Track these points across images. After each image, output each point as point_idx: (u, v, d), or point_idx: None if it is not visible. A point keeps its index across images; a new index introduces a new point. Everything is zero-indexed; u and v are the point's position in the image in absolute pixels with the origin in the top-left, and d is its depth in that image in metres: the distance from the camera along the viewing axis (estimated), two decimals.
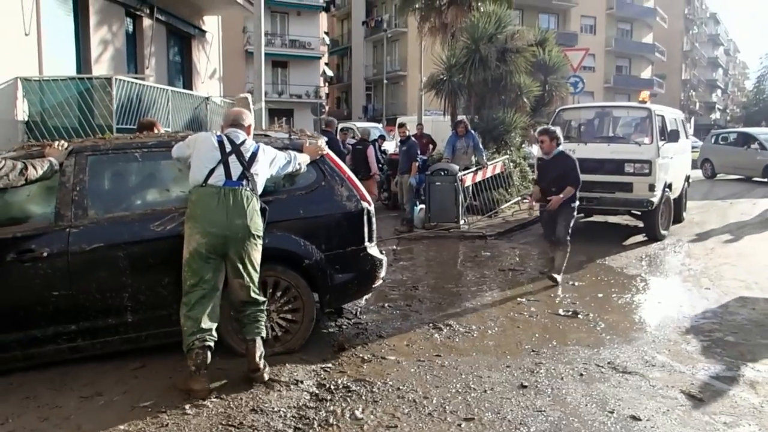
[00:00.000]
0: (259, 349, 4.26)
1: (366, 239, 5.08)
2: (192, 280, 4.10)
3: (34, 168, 4.26)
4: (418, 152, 12.27)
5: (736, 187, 18.00)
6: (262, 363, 4.25)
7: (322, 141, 5.18)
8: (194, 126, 12.07)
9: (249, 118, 4.61)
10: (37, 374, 4.36)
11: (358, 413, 3.90)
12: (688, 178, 12.19)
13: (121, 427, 3.68)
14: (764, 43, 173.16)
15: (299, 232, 4.79)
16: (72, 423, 3.74)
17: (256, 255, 4.26)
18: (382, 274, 5.30)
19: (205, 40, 16.66)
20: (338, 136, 12.69)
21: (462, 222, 11.00)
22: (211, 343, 4.12)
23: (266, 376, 4.25)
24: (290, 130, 5.43)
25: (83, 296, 4.37)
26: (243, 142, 4.36)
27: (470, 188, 11.67)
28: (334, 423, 3.78)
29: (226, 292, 4.30)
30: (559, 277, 7.24)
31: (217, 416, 3.83)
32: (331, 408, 3.98)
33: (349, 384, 4.35)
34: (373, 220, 5.18)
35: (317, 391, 4.21)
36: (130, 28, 13.23)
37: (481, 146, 12.21)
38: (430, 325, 5.74)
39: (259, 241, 4.27)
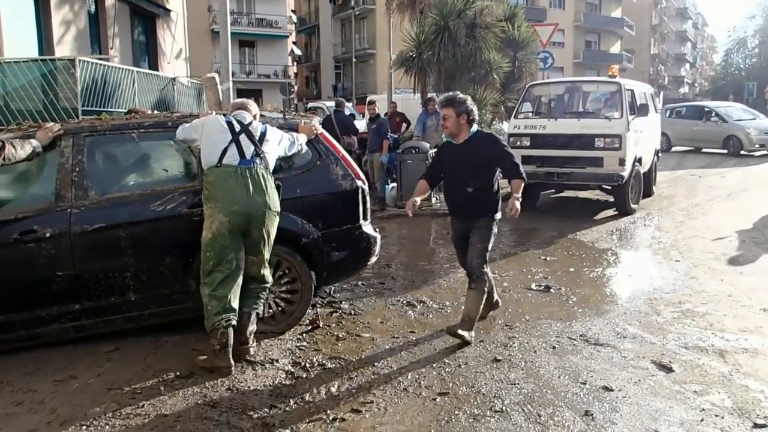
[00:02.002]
0: (252, 325, 4.33)
1: (361, 217, 5.15)
2: (214, 260, 4.14)
3: (14, 147, 4.15)
4: (389, 130, 12.18)
5: (704, 159, 18.30)
6: (251, 339, 4.31)
7: (316, 120, 5.23)
8: (162, 107, 11.85)
9: (255, 108, 4.70)
10: (10, 359, 4.32)
11: (333, 390, 3.92)
12: (657, 152, 12.35)
13: (97, 409, 3.66)
14: (732, 15, 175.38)
15: (296, 211, 4.81)
16: (46, 407, 3.71)
17: (274, 232, 4.33)
18: (377, 251, 5.37)
19: (170, 19, 16.34)
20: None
21: (434, 200, 11.01)
22: (235, 322, 4.17)
23: (252, 351, 4.29)
24: (284, 110, 5.50)
25: (86, 276, 4.40)
26: (250, 123, 4.42)
27: None
28: (310, 400, 3.79)
29: None
30: (468, 335, 4.67)
31: (192, 396, 3.82)
32: (307, 386, 3.99)
33: (324, 362, 4.36)
34: (368, 198, 5.27)
35: (292, 370, 4.22)
36: (93, 8, 12.91)
37: None
38: (404, 302, 5.76)
39: (278, 218, 4.34)
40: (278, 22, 41.32)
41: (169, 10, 16.19)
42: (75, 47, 11.53)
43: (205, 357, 4.22)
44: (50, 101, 9.17)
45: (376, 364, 4.33)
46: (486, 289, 4.83)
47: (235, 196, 4.13)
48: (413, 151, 10.96)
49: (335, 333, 4.93)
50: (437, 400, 3.81)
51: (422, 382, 4.04)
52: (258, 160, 4.28)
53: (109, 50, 13.00)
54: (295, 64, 47.69)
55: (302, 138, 4.87)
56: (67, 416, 3.58)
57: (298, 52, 47.15)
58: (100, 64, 10.06)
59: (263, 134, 4.42)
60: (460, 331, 4.63)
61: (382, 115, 12.56)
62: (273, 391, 3.91)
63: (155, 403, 3.73)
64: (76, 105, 9.17)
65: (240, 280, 4.24)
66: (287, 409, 3.68)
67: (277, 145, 4.54)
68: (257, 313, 4.41)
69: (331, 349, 4.61)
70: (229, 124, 4.34)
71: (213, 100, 10.17)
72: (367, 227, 5.27)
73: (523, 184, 4.76)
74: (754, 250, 7.63)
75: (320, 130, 5.13)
